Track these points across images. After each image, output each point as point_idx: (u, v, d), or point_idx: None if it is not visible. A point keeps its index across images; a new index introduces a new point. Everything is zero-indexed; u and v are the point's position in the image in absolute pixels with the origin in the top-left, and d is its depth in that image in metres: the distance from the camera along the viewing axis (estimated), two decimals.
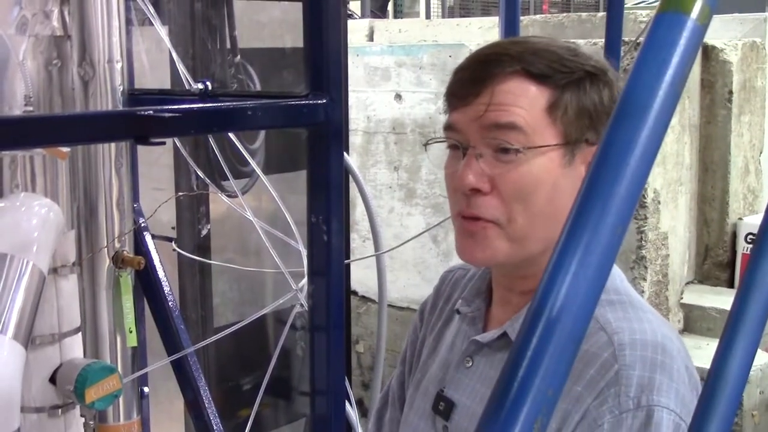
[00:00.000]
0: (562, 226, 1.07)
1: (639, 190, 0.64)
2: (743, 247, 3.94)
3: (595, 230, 0.62)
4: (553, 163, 1.08)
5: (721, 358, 0.77)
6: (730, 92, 3.86)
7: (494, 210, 1.08)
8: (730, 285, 3.98)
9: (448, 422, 1.21)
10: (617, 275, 1.17)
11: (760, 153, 4.14)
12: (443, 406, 1.21)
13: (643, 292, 3.57)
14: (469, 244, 1.12)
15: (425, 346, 1.37)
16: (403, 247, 2.90)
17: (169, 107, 1.37)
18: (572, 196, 1.06)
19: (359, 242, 4.31)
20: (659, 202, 3.59)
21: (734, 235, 3.98)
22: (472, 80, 1.12)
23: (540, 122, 1.08)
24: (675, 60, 0.65)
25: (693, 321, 3.78)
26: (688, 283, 3.97)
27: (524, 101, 1.08)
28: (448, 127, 1.15)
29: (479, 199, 1.09)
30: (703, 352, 3.52)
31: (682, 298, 3.81)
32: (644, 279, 3.58)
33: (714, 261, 4.04)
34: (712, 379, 0.77)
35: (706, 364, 3.00)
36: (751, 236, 3.92)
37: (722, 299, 3.78)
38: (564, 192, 1.09)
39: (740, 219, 3.99)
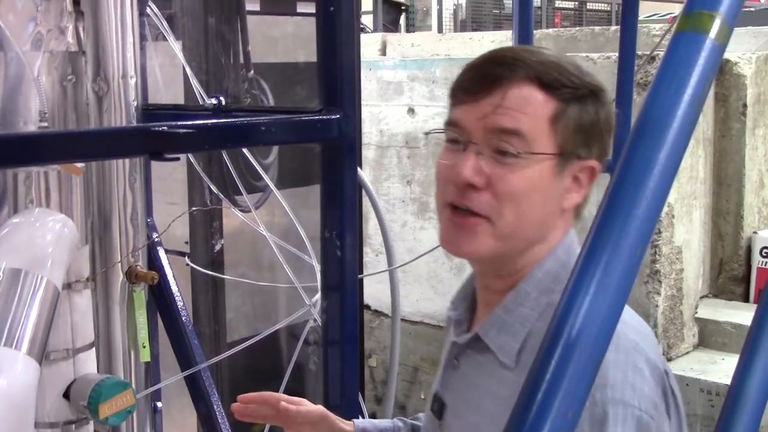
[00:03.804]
0: (544, 229, 1.15)
1: (659, 211, 0.63)
2: (758, 261, 3.91)
3: (615, 251, 0.61)
4: (546, 170, 1.13)
5: (741, 374, 0.75)
6: (744, 105, 3.85)
7: (486, 206, 1.12)
8: (746, 299, 3.95)
9: (441, 421, 1.26)
10: None
11: None
12: (437, 407, 1.27)
13: (657, 306, 3.55)
14: (456, 235, 1.15)
15: None
16: (417, 261, 2.90)
17: (184, 123, 1.38)
18: (556, 204, 1.15)
19: (372, 256, 4.30)
20: (673, 216, 3.57)
21: (749, 249, 3.95)
22: (485, 79, 1.15)
23: (542, 131, 1.12)
24: (693, 80, 0.65)
25: (708, 335, 3.75)
26: (702, 297, 3.94)
27: (531, 109, 1.12)
28: (452, 123, 1.19)
29: (473, 194, 1.13)
30: (718, 366, 3.49)
31: (696, 313, 3.78)
32: (658, 293, 3.56)
33: (729, 275, 4.01)
34: (732, 395, 0.75)
35: (722, 378, 2.95)
36: (766, 250, 3.90)
37: (737, 313, 3.75)
38: (551, 199, 1.14)
39: (755, 233, 3.96)
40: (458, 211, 1.14)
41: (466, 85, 1.18)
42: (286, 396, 1.46)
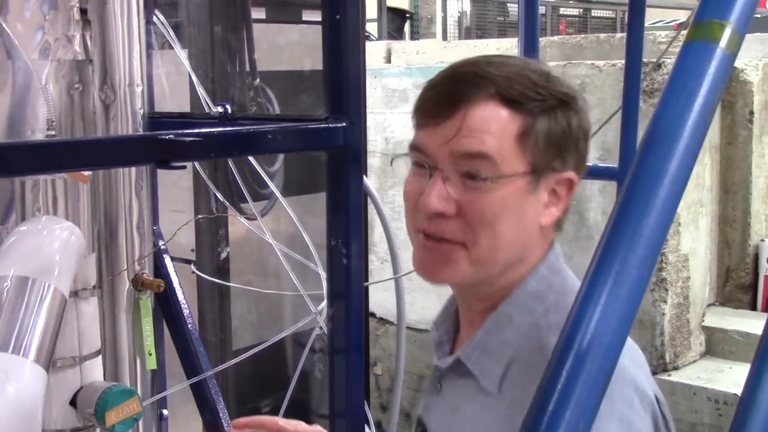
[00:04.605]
0: (522, 250, 1.10)
1: (669, 221, 0.63)
2: (765, 269, 3.90)
3: (625, 262, 0.61)
4: (519, 190, 1.08)
5: (753, 383, 0.75)
6: (751, 113, 3.84)
7: (459, 232, 1.09)
8: (753, 307, 3.94)
9: None
10: (570, 292, 1.13)
11: None
12: (419, 431, 1.24)
13: (663, 314, 3.54)
14: (430, 262, 1.12)
15: None
16: None
17: (190, 131, 1.37)
18: (534, 222, 1.09)
19: (377, 264, 4.30)
20: (680, 224, 3.57)
21: (756, 257, 3.94)
22: (444, 100, 1.10)
23: (510, 150, 1.07)
24: (704, 89, 0.64)
25: (715, 344, 3.74)
26: (709, 305, 3.93)
27: (496, 128, 1.07)
28: (415, 147, 1.14)
29: (443, 222, 1.09)
30: (725, 375, 3.49)
31: (703, 321, 3.77)
32: (665, 301, 3.55)
33: (736, 283, 4.00)
34: (743, 406, 0.75)
35: (729, 387, 2.96)
36: None
37: (744, 322, 3.75)
38: (527, 219, 1.10)
39: (762, 240, 3.95)
40: (431, 237, 1.11)
41: (426, 106, 1.13)
42: (282, 418, 1.44)
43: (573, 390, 0.59)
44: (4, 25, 1.53)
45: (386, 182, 4.40)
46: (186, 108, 2.57)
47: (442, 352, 1.23)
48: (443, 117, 1.09)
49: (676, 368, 3.59)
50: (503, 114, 1.07)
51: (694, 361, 3.68)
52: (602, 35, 4.95)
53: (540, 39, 2.22)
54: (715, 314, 3.87)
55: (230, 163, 2.31)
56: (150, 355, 1.87)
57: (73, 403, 1.58)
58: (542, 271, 1.12)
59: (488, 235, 1.07)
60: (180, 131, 1.35)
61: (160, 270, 1.97)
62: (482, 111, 1.07)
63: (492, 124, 1.07)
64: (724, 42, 0.66)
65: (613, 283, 0.62)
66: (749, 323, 3.70)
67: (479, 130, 1.07)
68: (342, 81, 1.61)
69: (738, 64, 3.87)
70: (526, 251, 1.12)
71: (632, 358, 1.03)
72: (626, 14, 2.16)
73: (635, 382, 0.99)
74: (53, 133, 1.58)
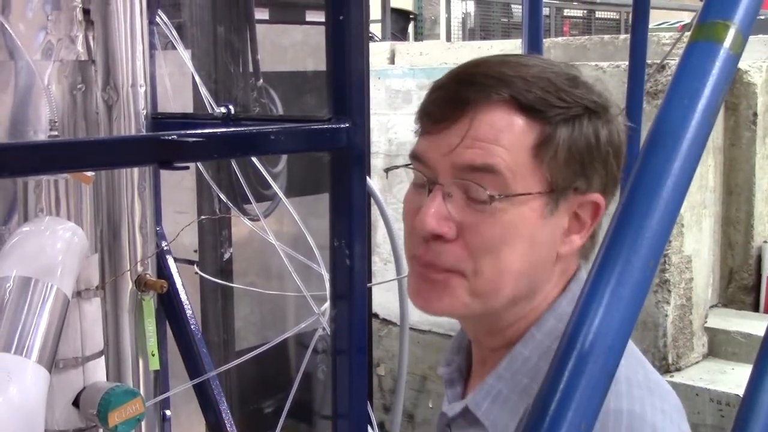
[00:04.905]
0: (534, 282, 0.95)
1: (672, 223, 0.63)
2: None
3: (628, 263, 0.61)
4: (533, 213, 0.93)
5: (754, 385, 0.75)
6: (755, 114, 3.84)
7: (458, 260, 0.94)
8: (755, 309, 3.94)
9: None
10: None
11: None
12: None
13: (666, 315, 3.54)
14: (425, 291, 0.98)
15: None
16: None
17: (193, 132, 1.38)
18: (550, 249, 0.94)
19: (380, 265, 4.30)
20: (683, 225, 3.56)
21: (759, 259, 3.94)
22: (449, 103, 0.96)
23: (523, 165, 0.92)
24: (707, 90, 0.64)
25: (718, 345, 3.74)
26: (712, 306, 3.93)
27: (507, 138, 0.92)
28: (415, 157, 1.01)
29: (441, 246, 0.94)
30: (728, 376, 3.48)
31: (706, 322, 3.77)
32: (668, 303, 3.54)
33: (738, 284, 4.00)
34: (745, 407, 0.75)
35: (732, 389, 2.97)
36: None
37: (747, 323, 3.75)
38: (541, 245, 0.94)
39: (765, 242, 3.95)
40: (427, 265, 0.97)
41: (429, 110, 0.99)
42: None
43: (575, 390, 0.59)
44: (6, 25, 1.54)
45: (389, 183, 4.40)
46: (189, 109, 2.57)
47: (454, 393, 1.10)
48: (447, 122, 0.95)
49: (678, 369, 3.59)
50: (517, 122, 0.92)
51: (697, 363, 3.68)
52: (606, 36, 4.95)
53: (544, 40, 2.22)
54: (717, 315, 3.87)
55: (233, 163, 2.31)
56: (153, 355, 1.87)
57: (75, 403, 1.58)
58: (562, 307, 0.96)
59: (492, 264, 0.93)
60: (183, 132, 1.35)
61: (163, 271, 1.98)
62: (492, 117, 0.93)
63: (503, 133, 0.92)
64: (728, 43, 0.65)
65: (615, 284, 0.62)
66: (752, 325, 3.70)
67: (487, 140, 0.92)
68: (345, 82, 1.61)
69: (742, 65, 3.87)
70: (540, 283, 0.98)
71: (668, 414, 0.90)
72: (630, 16, 2.16)
73: None
74: (56, 133, 1.58)
